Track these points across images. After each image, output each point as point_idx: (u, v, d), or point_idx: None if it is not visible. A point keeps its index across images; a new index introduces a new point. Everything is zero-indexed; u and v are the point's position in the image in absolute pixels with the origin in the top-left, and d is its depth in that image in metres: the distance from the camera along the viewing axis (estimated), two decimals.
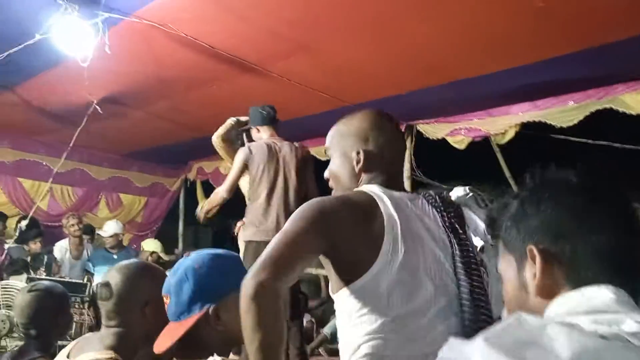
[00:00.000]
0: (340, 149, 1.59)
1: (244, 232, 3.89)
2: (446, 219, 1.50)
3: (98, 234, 6.29)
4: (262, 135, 3.98)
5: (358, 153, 1.53)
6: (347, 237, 1.38)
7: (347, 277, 1.40)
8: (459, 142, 4.85)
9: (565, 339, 0.70)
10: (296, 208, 1.44)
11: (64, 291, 2.40)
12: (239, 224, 4.22)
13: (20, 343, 2.65)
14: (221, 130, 4.17)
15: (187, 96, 4.72)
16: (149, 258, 5.78)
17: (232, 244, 4.27)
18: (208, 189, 7.47)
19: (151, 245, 6.08)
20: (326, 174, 1.66)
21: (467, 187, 2.02)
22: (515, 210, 0.93)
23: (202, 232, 11.22)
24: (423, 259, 1.41)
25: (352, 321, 1.40)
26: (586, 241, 0.86)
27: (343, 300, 1.42)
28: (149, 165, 7.61)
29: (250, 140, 4.10)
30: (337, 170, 1.60)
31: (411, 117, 5.15)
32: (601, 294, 0.82)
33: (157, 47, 3.76)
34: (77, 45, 3.36)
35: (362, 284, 1.38)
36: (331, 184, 1.64)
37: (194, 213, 7.83)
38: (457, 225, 1.50)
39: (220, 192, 3.97)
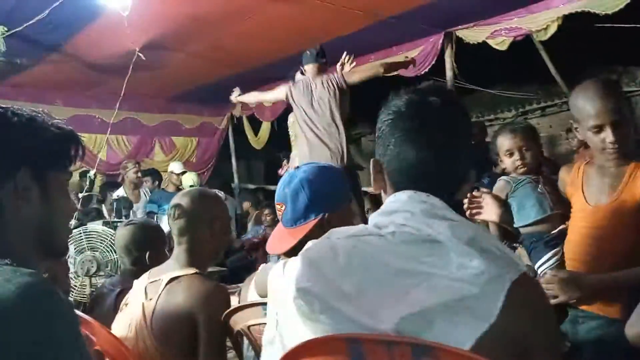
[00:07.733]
0: None
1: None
2: None
3: (168, 174, 6.48)
4: (307, 74, 4.06)
5: None
6: None
7: None
8: (500, 43, 4.74)
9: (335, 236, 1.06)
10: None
11: (157, 225, 2.75)
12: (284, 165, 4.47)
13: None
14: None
15: (222, 32, 4.76)
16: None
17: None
18: (254, 123, 7.62)
19: (189, 179, 6.14)
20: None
21: None
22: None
23: (254, 166, 11.48)
24: None
25: None
26: (391, 156, 1.06)
27: None
28: (196, 106, 7.77)
29: None
30: None
31: (449, 24, 5.05)
32: (399, 198, 1.04)
33: None
34: None
35: None
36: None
37: (243, 148, 8.08)
38: None
39: (253, 98, 4.72)
